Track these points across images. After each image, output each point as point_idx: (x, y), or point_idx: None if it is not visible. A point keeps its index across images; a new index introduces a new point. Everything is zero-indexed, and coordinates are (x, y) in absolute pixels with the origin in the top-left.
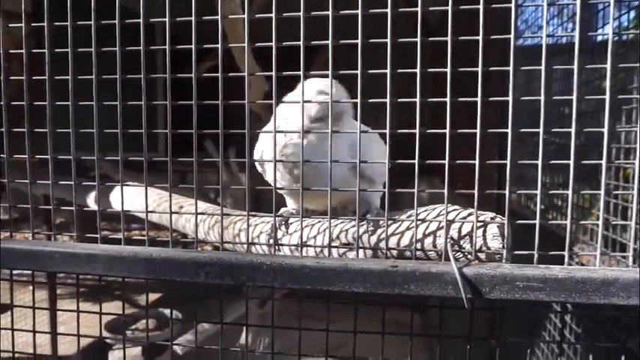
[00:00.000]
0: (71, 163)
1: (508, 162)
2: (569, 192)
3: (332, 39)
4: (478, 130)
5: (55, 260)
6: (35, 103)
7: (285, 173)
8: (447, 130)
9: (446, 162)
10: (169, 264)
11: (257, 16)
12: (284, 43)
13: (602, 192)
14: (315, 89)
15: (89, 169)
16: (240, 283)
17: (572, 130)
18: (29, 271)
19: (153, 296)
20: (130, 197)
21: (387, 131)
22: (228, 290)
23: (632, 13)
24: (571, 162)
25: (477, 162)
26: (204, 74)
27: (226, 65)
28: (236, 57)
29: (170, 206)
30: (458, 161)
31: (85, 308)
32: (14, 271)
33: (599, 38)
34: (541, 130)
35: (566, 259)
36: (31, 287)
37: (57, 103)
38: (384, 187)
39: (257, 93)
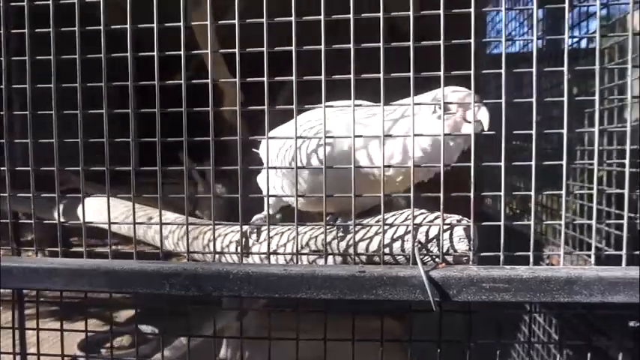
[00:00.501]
0: (45, 178)
1: (472, 164)
2: (532, 193)
3: (295, 45)
4: (442, 133)
5: (14, 276)
6: None
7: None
8: (412, 134)
9: (411, 166)
10: (133, 276)
11: (220, 22)
12: (247, 50)
13: (563, 192)
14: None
15: (60, 184)
16: (207, 294)
17: (533, 132)
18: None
19: (130, 312)
20: (98, 210)
21: (353, 136)
22: (204, 303)
23: (595, 22)
24: (532, 163)
25: (441, 165)
26: (168, 82)
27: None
28: (211, 69)
29: (134, 217)
30: (423, 165)
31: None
32: None
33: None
34: (503, 132)
35: (531, 259)
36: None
37: (15, 112)
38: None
39: (231, 104)
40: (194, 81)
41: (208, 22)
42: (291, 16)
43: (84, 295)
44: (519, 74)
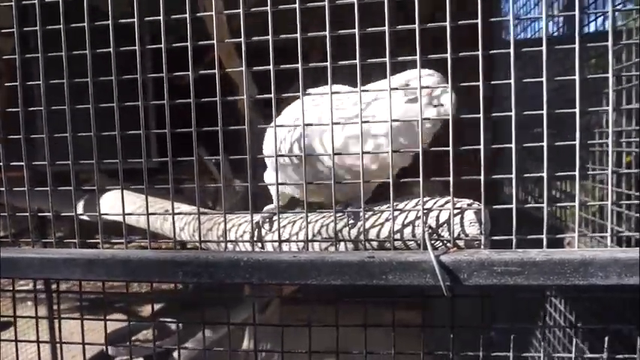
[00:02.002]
0: (69, 175)
1: (481, 146)
2: (544, 174)
3: (300, 32)
4: (450, 117)
5: (34, 267)
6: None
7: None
8: (419, 119)
9: (420, 150)
10: (147, 265)
11: (225, 12)
12: (253, 38)
13: (576, 173)
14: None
15: (85, 181)
16: (219, 281)
17: (544, 112)
18: (29, 285)
19: (155, 307)
20: (117, 204)
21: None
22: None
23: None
24: (544, 144)
25: (450, 148)
26: (176, 73)
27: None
28: (225, 63)
29: (147, 208)
30: (432, 148)
31: (86, 322)
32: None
33: (592, 29)
34: (513, 113)
35: (544, 242)
36: (29, 303)
37: (29, 109)
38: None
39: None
40: (202, 71)
41: (213, 13)
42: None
43: (102, 285)
44: (535, 60)
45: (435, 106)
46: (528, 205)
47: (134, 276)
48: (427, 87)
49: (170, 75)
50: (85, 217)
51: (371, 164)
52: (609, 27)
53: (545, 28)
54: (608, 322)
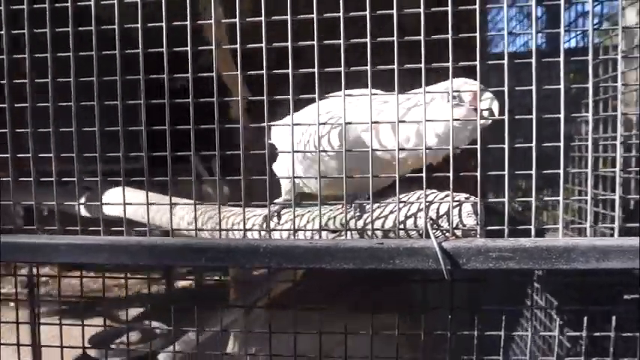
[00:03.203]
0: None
1: (478, 146)
2: (533, 172)
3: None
4: (451, 118)
5: (61, 252)
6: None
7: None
8: (424, 120)
9: (423, 149)
10: (172, 251)
11: (222, 21)
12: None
13: (561, 171)
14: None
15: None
16: (240, 265)
17: (534, 116)
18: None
19: (138, 310)
20: (119, 201)
21: (370, 122)
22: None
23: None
24: (533, 145)
25: (450, 147)
26: (176, 75)
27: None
28: (220, 67)
29: (170, 199)
30: (434, 148)
31: (65, 327)
32: None
33: (566, 45)
34: (506, 116)
35: (532, 232)
36: (12, 304)
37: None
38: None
39: (239, 104)
40: (200, 74)
41: (212, 21)
42: (312, 15)
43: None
44: (519, 74)
45: (479, 110)
46: (519, 199)
47: (159, 261)
48: (457, 91)
49: (171, 77)
50: (87, 215)
51: (408, 159)
52: (589, 43)
53: (535, 43)
54: (587, 304)
